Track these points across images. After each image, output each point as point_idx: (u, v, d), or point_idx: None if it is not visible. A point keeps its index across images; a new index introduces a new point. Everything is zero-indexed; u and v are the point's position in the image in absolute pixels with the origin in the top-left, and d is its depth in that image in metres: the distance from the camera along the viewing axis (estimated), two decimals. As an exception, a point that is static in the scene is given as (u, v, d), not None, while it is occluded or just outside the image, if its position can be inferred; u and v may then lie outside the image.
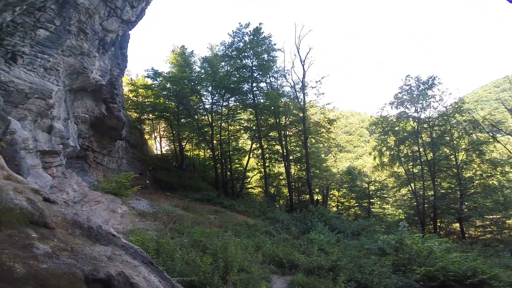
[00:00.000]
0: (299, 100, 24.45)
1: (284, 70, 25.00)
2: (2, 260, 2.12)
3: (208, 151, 25.78)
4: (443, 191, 21.18)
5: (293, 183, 24.82)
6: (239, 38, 22.38)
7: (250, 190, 25.92)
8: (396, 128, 23.99)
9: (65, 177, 11.72)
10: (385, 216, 22.19)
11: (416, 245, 8.53)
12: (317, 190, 25.43)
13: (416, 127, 22.45)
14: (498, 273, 6.79)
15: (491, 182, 19.28)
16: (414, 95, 22.72)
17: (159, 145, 30.48)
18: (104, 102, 14.08)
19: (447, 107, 21.95)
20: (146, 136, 27.15)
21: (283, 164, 25.09)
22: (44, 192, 3.46)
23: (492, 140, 19.57)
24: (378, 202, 23.77)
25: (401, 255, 8.55)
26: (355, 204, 24.25)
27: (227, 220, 12.92)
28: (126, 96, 21.95)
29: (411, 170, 22.62)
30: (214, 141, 23.34)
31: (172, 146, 27.27)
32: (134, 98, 23.60)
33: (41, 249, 2.50)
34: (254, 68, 22.93)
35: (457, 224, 19.94)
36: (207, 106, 23.70)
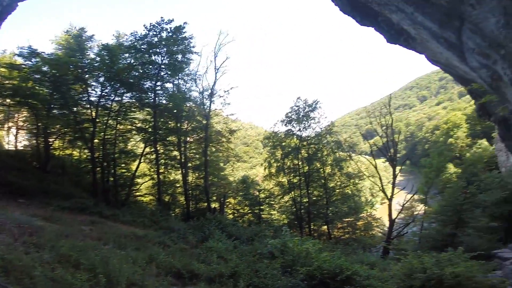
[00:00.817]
0: (205, 107, 24.52)
1: (195, 74, 24.60)
2: None
3: (86, 151, 21.36)
4: (315, 198, 25.68)
5: (190, 191, 24.19)
6: (155, 33, 20.53)
7: (139, 198, 23.40)
8: (283, 144, 27.46)
9: None
10: (273, 221, 24.84)
11: (296, 247, 9.69)
12: (214, 198, 25.66)
13: (298, 144, 26.40)
14: (358, 269, 8.37)
15: (347, 191, 25.20)
16: (300, 116, 26.79)
17: (13, 138, 23.13)
18: None
19: (322, 129, 26.89)
20: (-5, 127, 20.14)
21: (180, 171, 24.15)
22: None
23: (348, 158, 25.88)
24: (267, 209, 26.37)
25: (286, 257, 9.45)
26: (248, 211, 25.89)
27: (108, 232, 11.09)
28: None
29: (292, 180, 26.27)
30: (95, 140, 19.74)
31: (34, 141, 21.13)
32: None
33: None
34: (163, 66, 21.41)
35: (325, 227, 24.59)
36: (93, 99, 19.82)
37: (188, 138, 25.28)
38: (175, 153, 24.37)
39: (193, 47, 22.51)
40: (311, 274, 8.03)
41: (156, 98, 21.97)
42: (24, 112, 21.20)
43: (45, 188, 15.55)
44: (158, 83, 22.10)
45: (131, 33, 21.06)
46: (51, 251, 6.54)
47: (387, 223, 22.52)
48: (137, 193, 23.25)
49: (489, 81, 8.74)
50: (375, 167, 24.16)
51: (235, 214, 26.35)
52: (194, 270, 7.80)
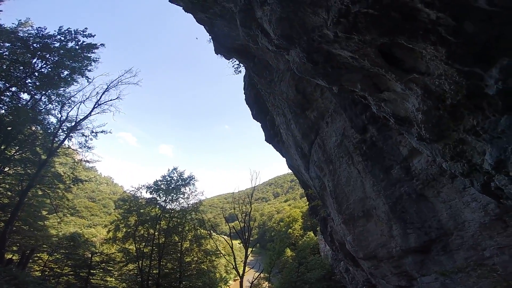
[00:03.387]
0: (56, 139, 19.40)
1: (69, 98, 20.15)
2: None
3: None
4: (167, 270, 22.77)
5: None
6: (62, 38, 17.73)
7: None
8: (142, 211, 24.41)
9: None
10: None
11: None
12: (15, 248, 19.03)
13: (159, 214, 23.99)
14: None
15: (203, 267, 23.56)
16: (170, 187, 25.17)
17: None
18: None
19: (189, 205, 25.80)
20: None
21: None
22: None
23: (208, 236, 25.37)
24: (100, 274, 20.53)
25: None
26: (69, 272, 19.46)
27: None
28: None
29: (143, 249, 22.74)
30: None
31: None
32: None
33: None
34: (36, 73, 17.55)
35: None
36: None
37: (7, 168, 18.30)
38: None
39: (89, 70, 19.42)
40: None
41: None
42: None
43: None
44: (13, 88, 17.12)
45: (38, 28, 17.21)
46: None
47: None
48: None
49: (318, 190, 11.54)
50: (231, 247, 25.01)
51: (47, 273, 19.43)
52: None
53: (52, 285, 16.75)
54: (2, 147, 16.81)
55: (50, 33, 17.48)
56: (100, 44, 18.96)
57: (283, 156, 16.80)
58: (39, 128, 19.37)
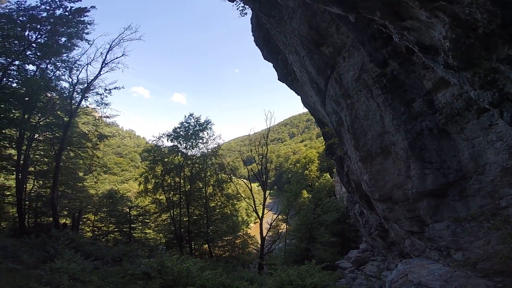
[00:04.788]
0: (73, 102, 19.84)
1: (74, 63, 19.81)
2: None
3: None
4: (195, 217, 24.74)
5: (28, 202, 18.29)
6: (48, 8, 16.68)
7: None
8: (166, 159, 25.62)
9: None
10: (148, 241, 22.05)
11: (176, 267, 9.03)
12: (65, 212, 20.46)
13: (182, 162, 25.24)
14: (239, 285, 8.82)
15: (226, 211, 25.76)
16: (189, 133, 25.86)
17: None
18: None
19: (208, 150, 26.87)
20: None
21: (14, 176, 17.78)
22: None
23: (229, 180, 26.88)
24: (140, 227, 23.20)
25: (165, 277, 8.68)
26: (114, 229, 21.95)
27: None
28: None
29: (172, 198, 24.56)
30: None
31: None
32: None
33: None
34: (34, 45, 16.92)
35: (206, 245, 23.89)
36: None
37: (36, 135, 19.37)
38: (12, 151, 18.04)
39: (87, 33, 18.85)
40: (195, 293, 7.52)
41: (4, 79, 16.39)
42: None
43: None
44: (16, 62, 16.88)
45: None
46: None
47: (260, 241, 24.22)
48: None
49: (335, 126, 11.49)
50: (250, 190, 26.35)
51: (96, 232, 21.95)
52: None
53: (103, 243, 18.50)
54: (26, 117, 17.61)
55: (32, 5, 16.71)
56: (91, 7, 18.26)
57: (298, 94, 16.54)
58: (54, 94, 19.63)
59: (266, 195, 25.88)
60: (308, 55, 10.28)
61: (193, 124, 26.34)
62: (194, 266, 9.41)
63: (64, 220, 20.45)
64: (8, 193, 18.33)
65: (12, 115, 17.36)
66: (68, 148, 20.35)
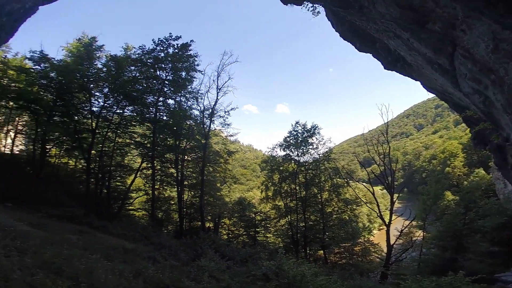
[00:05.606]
0: (205, 126, 24.65)
1: (197, 92, 24.74)
2: None
3: (82, 161, 21.19)
4: (311, 223, 25.31)
5: (185, 209, 23.84)
6: (162, 48, 21.05)
7: (132, 212, 22.95)
8: (281, 168, 27.34)
9: None
10: (268, 244, 24.37)
11: (292, 270, 9.46)
12: (209, 217, 25.33)
13: (295, 169, 26.29)
14: None
15: (344, 217, 24.83)
16: (299, 141, 26.82)
17: (11, 142, 22.88)
18: None
19: (320, 155, 26.84)
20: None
21: (176, 189, 23.89)
22: None
23: (346, 185, 25.73)
24: (263, 231, 25.85)
25: (281, 280, 9.26)
26: (243, 233, 25.52)
27: (96, 243, 10.89)
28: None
29: (289, 204, 26.01)
30: (93, 152, 19.66)
31: (31, 147, 21.05)
32: None
33: None
34: (167, 82, 21.82)
35: (321, 251, 24.09)
36: (95, 109, 19.93)
37: (186, 157, 25.23)
38: (172, 170, 24.19)
39: (198, 65, 23.11)
40: (307, 298, 7.73)
41: (157, 114, 22.12)
42: (25, 117, 21.33)
43: (35, 194, 15.21)
44: (161, 99, 22.39)
45: (139, 47, 21.49)
46: (33, 256, 6.34)
47: (385, 249, 22.08)
48: (130, 207, 22.78)
49: (482, 107, 8.98)
50: (373, 194, 24.08)
51: (230, 235, 25.93)
52: (182, 288, 7.51)
53: (235, 245, 21.23)
54: (177, 143, 23.47)
55: (151, 48, 21.20)
56: (190, 41, 21.90)
57: (415, 79, 14.08)
58: (191, 121, 25.09)
59: (394, 199, 22.94)
60: (413, 36, 8.84)
61: (300, 131, 27.13)
62: (308, 271, 9.60)
63: (208, 224, 25.05)
64: (173, 202, 24.75)
65: (168, 142, 23.64)
66: (208, 164, 24.90)
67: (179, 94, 23.79)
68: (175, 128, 22.42)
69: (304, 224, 24.49)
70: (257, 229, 24.99)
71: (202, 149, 23.78)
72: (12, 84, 18.03)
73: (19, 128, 22.75)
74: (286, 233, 25.48)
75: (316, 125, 26.96)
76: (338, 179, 26.43)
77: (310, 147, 26.80)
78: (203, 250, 13.31)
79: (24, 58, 21.35)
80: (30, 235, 8.35)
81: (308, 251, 24.02)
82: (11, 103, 18.80)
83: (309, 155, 27.00)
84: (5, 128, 22.79)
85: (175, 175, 23.69)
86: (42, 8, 13.35)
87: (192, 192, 25.58)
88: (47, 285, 4.84)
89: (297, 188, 25.78)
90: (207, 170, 24.96)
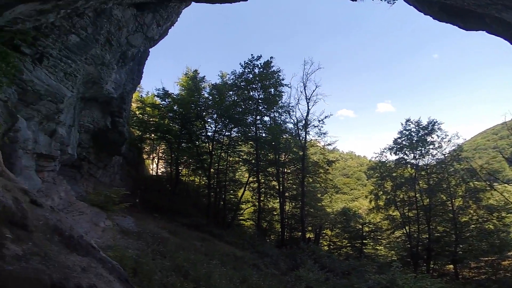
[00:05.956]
0: (301, 138, 24.84)
1: (289, 106, 25.57)
2: (-32, 257, 2.00)
3: (204, 178, 25.56)
4: (438, 234, 20.74)
5: (286, 220, 24.25)
6: (249, 70, 23.20)
7: (242, 222, 25.38)
8: (394, 174, 23.89)
9: (54, 183, 11.55)
10: (377, 257, 21.51)
11: (407, 285, 8.14)
12: (310, 228, 24.94)
13: (414, 174, 22.37)
14: None
15: (487, 226, 19.06)
16: (413, 141, 22.87)
17: (155, 166, 30.25)
18: (111, 115, 14.50)
19: (446, 155, 21.99)
20: (144, 156, 27.20)
21: (278, 200, 24.79)
22: (32, 193, 3.43)
23: (488, 188, 19.76)
24: (371, 243, 23.08)
25: None
26: (347, 244, 23.69)
27: (214, 249, 12.56)
28: (132, 113, 22.35)
29: (407, 214, 22.29)
30: (212, 170, 23.24)
31: (169, 169, 26.98)
32: (140, 115, 23.79)
33: (12, 250, 2.36)
34: (260, 101, 23.68)
35: (451, 266, 19.26)
36: (209, 134, 23.93)
37: (285, 169, 25.99)
38: (274, 183, 25.38)
39: (283, 79, 24.14)
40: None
41: (257, 132, 24.14)
42: (163, 145, 27.59)
43: (172, 206, 19.36)
44: (258, 117, 24.42)
45: (232, 72, 24.43)
46: (170, 260, 7.93)
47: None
48: (241, 217, 25.29)
49: None
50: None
51: (331, 246, 24.59)
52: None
53: (336, 256, 20.00)
54: (277, 157, 24.60)
55: (238, 72, 23.66)
56: (270, 57, 23.12)
57: None
58: (287, 135, 25.87)
59: None
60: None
61: (414, 129, 23.21)
62: (431, 287, 7.83)
63: (309, 234, 24.58)
64: (275, 213, 25.70)
65: (268, 157, 25.12)
66: (307, 175, 24.71)
67: (272, 110, 25.20)
68: (273, 143, 23.68)
69: (428, 236, 20.30)
70: (364, 241, 22.48)
71: (301, 160, 23.91)
72: (151, 119, 23.78)
73: (160, 154, 29.62)
74: (403, 246, 21.79)
75: (435, 120, 22.44)
76: (476, 182, 20.68)
77: (431, 146, 22.41)
78: (302, 260, 13.26)
79: (153, 96, 27.43)
80: (169, 241, 10.49)
81: (431, 265, 19.60)
82: (152, 135, 24.71)
83: (430, 156, 22.59)
84: (151, 156, 30.16)
85: (277, 187, 24.69)
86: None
87: (293, 203, 25.88)
88: (176, 287, 5.78)
89: (417, 195, 21.81)
90: (307, 181, 24.74)
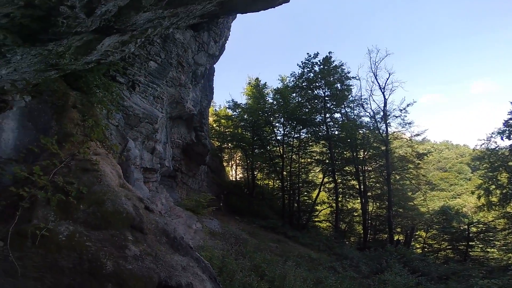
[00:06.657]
0: (381, 131, 22.68)
1: (361, 99, 24.00)
2: (99, 256, 2.55)
3: (278, 181, 26.23)
4: None
5: (369, 221, 22.57)
6: (308, 69, 22.84)
7: (317, 223, 24.82)
8: (510, 163, 19.28)
9: (157, 191, 13.85)
10: (487, 261, 17.45)
11: None
12: (398, 229, 22.53)
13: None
14: None
15: None
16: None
17: (234, 172, 32.91)
18: (194, 130, 16.55)
19: None
20: (224, 163, 29.55)
21: (359, 200, 23.24)
22: (146, 201, 4.21)
23: None
24: (480, 245, 18.96)
25: None
26: (447, 247, 20.17)
27: (289, 250, 12.87)
28: (210, 126, 24.54)
29: (530, 210, 17.49)
30: (284, 173, 23.64)
31: (245, 174, 28.80)
32: (217, 127, 25.79)
33: (132, 251, 2.82)
34: (326, 98, 22.97)
35: None
36: (279, 138, 24.50)
37: (366, 167, 24.17)
38: (353, 182, 23.93)
39: (348, 72, 22.70)
40: None
41: (329, 130, 23.36)
42: (239, 153, 29.68)
43: (251, 209, 20.64)
44: (327, 115, 23.64)
45: (291, 74, 24.32)
46: (249, 260, 8.64)
47: None
48: (316, 219, 24.74)
49: None
50: None
51: (426, 249, 21.37)
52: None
53: (432, 260, 17.70)
54: (354, 154, 23.05)
55: (297, 73, 23.33)
56: (329, 53, 22.02)
57: None
58: (364, 130, 24.01)
59: None
60: None
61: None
62: None
63: (397, 236, 22.21)
64: (356, 214, 24.09)
65: (344, 155, 23.81)
66: (394, 172, 22.48)
67: (343, 106, 24.00)
68: (349, 140, 22.42)
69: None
70: (470, 243, 18.66)
71: (384, 156, 21.82)
72: (226, 130, 25.94)
73: (237, 161, 32.04)
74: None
75: None
76: None
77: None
78: (388, 264, 12.23)
79: (225, 108, 29.77)
80: (248, 242, 11.36)
81: None
82: (229, 144, 26.91)
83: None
84: (230, 163, 32.82)
85: (357, 186, 23.18)
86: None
87: (377, 203, 23.88)
88: (253, 286, 6.23)
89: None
90: (393, 179, 22.55)
